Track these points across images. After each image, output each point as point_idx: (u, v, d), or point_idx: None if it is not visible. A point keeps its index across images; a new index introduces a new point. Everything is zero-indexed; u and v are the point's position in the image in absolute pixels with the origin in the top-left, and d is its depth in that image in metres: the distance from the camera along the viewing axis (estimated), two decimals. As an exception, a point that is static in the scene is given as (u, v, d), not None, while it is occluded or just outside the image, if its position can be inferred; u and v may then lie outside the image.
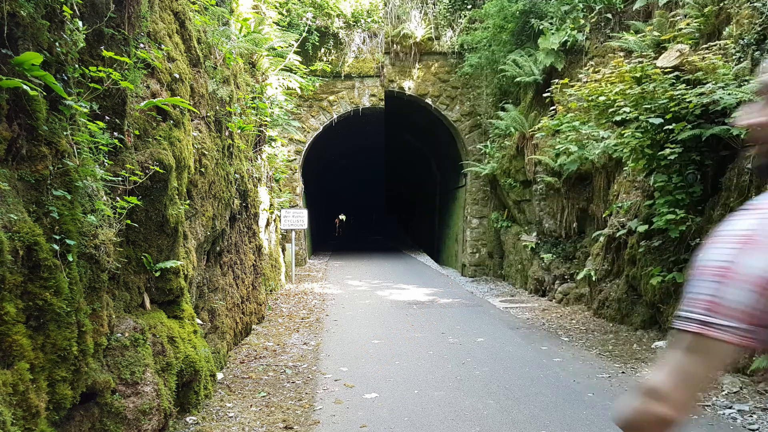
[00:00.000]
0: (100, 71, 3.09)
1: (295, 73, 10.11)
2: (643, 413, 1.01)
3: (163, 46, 4.14)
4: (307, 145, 16.57)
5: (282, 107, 9.75)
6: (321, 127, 16.57)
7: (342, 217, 31.30)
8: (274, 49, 9.12)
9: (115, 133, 3.37)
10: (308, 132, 16.47)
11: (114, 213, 3.26)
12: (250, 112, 7.13)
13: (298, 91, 10.59)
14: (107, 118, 3.29)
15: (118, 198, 3.34)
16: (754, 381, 5.26)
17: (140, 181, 3.53)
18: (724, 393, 5.15)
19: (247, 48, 6.89)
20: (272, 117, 9.02)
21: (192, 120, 5.02)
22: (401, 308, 9.40)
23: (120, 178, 3.35)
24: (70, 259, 2.72)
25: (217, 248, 6.06)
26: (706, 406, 4.89)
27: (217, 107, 5.69)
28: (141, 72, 3.66)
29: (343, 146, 22.43)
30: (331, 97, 16.55)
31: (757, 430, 4.38)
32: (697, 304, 0.98)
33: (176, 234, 4.13)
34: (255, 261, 7.81)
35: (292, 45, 9.88)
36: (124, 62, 3.37)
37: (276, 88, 9.42)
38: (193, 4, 5.31)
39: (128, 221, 3.47)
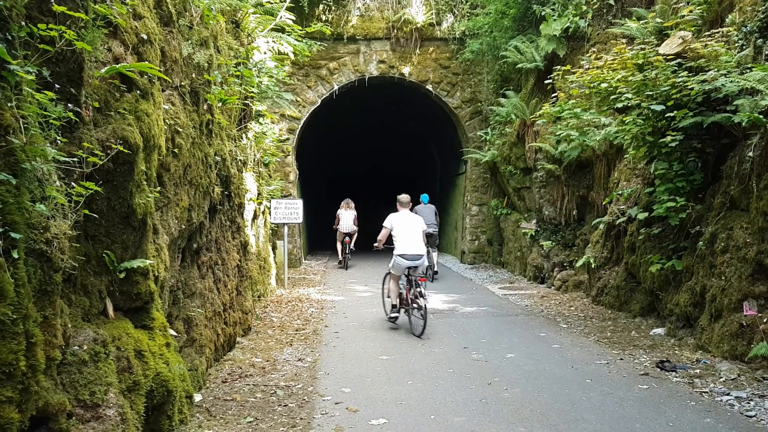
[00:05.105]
0: (51, 29, 3.07)
1: (288, 35, 10.07)
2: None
3: (127, 0, 4.12)
4: (302, 122, 16.56)
5: (272, 76, 9.73)
6: (319, 101, 16.55)
7: None
8: (262, 5, 9.09)
9: (70, 105, 3.36)
10: (304, 106, 16.46)
11: (69, 201, 3.25)
12: (233, 81, 7.11)
13: (292, 56, 10.57)
14: (58, 86, 3.27)
15: (73, 183, 3.33)
16: (752, 368, 6.05)
17: (101, 163, 3.52)
18: (721, 380, 5.87)
19: (230, 3, 6.87)
20: (260, 87, 9.00)
21: (163, 90, 5.01)
22: (415, 318, 9.40)
23: (76, 160, 3.34)
24: (16, 256, 2.71)
25: (195, 245, 6.07)
26: (704, 392, 5.57)
27: (194, 75, 5.68)
28: (101, 31, 3.64)
29: (346, 124, 22.43)
30: (332, 65, 16.52)
31: (754, 416, 4.97)
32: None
33: (144, 227, 4.13)
34: (240, 261, 7.82)
35: (284, 0, 9.83)
36: (80, 19, 3.34)
37: (265, 53, 9.39)
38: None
39: (86, 211, 3.47)
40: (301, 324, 8.97)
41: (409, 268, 8.44)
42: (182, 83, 5.43)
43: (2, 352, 2.63)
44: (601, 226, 10.24)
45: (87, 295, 3.70)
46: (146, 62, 4.26)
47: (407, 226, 8.67)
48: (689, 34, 7.54)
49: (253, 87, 8.23)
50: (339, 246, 16.15)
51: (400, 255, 8.49)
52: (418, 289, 8.27)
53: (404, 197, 9.14)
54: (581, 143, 10.93)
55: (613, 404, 5.31)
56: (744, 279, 6.38)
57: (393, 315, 8.78)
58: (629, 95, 7.43)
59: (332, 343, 7.77)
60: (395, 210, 9.08)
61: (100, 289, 3.84)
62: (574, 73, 8.44)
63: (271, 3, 9.41)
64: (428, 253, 11.18)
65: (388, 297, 9.00)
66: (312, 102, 16.55)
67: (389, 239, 8.92)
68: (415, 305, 8.31)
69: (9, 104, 2.78)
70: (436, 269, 13.00)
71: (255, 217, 10.27)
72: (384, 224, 8.90)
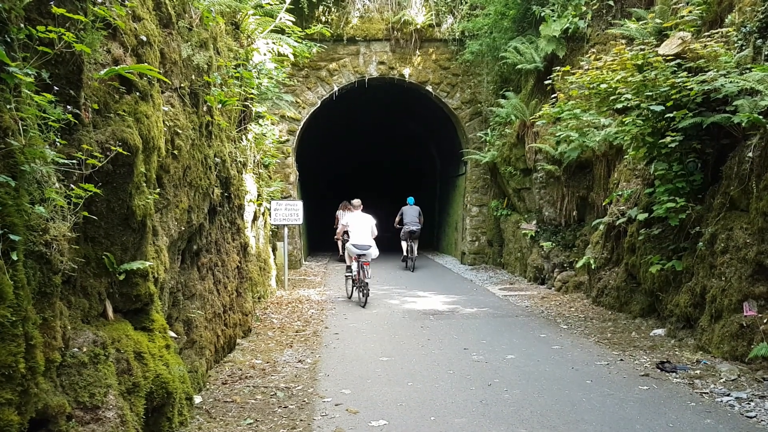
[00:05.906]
0: (50, 31, 3.07)
1: (288, 36, 10.06)
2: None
3: (127, 2, 4.12)
4: (302, 123, 16.56)
5: (272, 77, 9.72)
6: (319, 102, 16.55)
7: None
8: (262, 6, 9.08)
9: (69, 107, 3.36)
10: (303, 108, 16.46)
11: (68, 203, 3.25)
12: (233, 82, 7.11)
13: (291, 57, 10.55)
14: (57, 88, 3.27)
15: (73, 185, 3.32)
16: (752, 369, 6.06)
17: (100, 165, 3.52)
18: (722, 381, 5.90)
19: (229, 5, 6.87)
20: (260, 89, 8.99)
21: (162, 92, 5.01)
22: (416, 319, 9.41)
23: (75, 162, 3.34)
24: (15, 258, 2.71)
25: (194, 247, 6.07)
26: (704, 393, 5.59)
27: (193, 77, 5.68)
28: (100, 33, 3.64)
29: (347, 125, 22.42)
30: (332, 66, 16.53)
31: (754, 417, 4.98)
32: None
33: (144, 229, 4.12)
34: (240, 262, 7.82)
35: (284, 1, 9.83)
36: (80, 21, 3.35)
37: (264, 54, 9.38)
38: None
39: (86, 213, 3.47)
40: (302, 325, 8.97)
41: (358, 254, 10.91)
42: (182, 85, 5.43)
43: (2, 354, 2.63)
44: (601, 226, 10.25)
45: (86, 297, 3.70)
46: (145, 64, 4.26)
47: (359, 223, 11.37)
48: (689, 34, 7.53)
49: (252, 88, 8.23)
50: (339, 243, 18.50)
51: (352, 244, 11.25)
52: (363, 271, 10.66)
53: (356, 201, 12.46)
54: (581, 144, 10.94)
55: (614, 405, 5.31)
56: (744, 279, 6.38)
57: (348, 290, 11.58)
58: (629, 96, 7.42)
59: (332, 345, 7.76)
60: (349, 210, 11.97)
61: (100, 291, 3.84)
62: (573, 74, 8.43)
63: (271, 4, 9.41)
64: (411, 246, 16.00)
65: (348, 284, 11.65)
66: (312, 103, 16.55)
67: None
68: (360, 284, 10.72)
69: (8, 106, 2.78)
70: (416, 254, 16.42)
71: (255, 218, 10.27)
72: (341, 222, 11.94)
